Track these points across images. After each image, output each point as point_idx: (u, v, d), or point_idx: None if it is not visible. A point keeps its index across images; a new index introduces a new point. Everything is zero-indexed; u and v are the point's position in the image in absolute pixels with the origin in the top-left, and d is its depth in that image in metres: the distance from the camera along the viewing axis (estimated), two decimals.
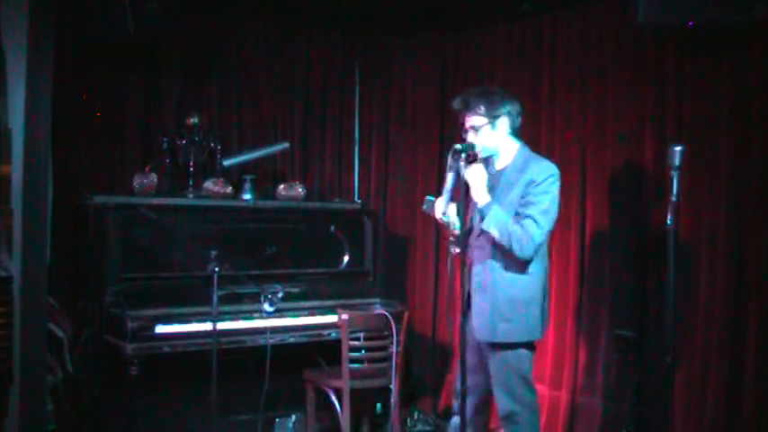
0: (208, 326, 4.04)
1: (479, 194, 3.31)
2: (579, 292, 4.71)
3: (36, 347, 3.65)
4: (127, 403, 4.12)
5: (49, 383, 3.94)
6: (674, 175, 3.23)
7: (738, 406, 3.89)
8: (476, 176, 3.31)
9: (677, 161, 3.22)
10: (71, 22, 4.04)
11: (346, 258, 5.15)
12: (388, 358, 4.32)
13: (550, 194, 3.33)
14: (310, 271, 4.95)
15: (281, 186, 5.15)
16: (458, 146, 3.31)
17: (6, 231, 3.52)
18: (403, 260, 5.73)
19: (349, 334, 4.19)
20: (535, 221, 3.28)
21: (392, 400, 4.39)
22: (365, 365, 4.29)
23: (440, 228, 3.41)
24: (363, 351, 4.27)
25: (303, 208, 5.12)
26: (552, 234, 4.85)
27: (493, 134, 3.40)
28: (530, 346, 3.42)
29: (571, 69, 4.81)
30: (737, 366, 3.91)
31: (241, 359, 4.48)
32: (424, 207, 3.46)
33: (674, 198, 3.24)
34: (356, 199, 5.66)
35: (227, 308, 4.29)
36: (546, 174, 3.34)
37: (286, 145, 5.23)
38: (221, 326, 4.08)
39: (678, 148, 3.23)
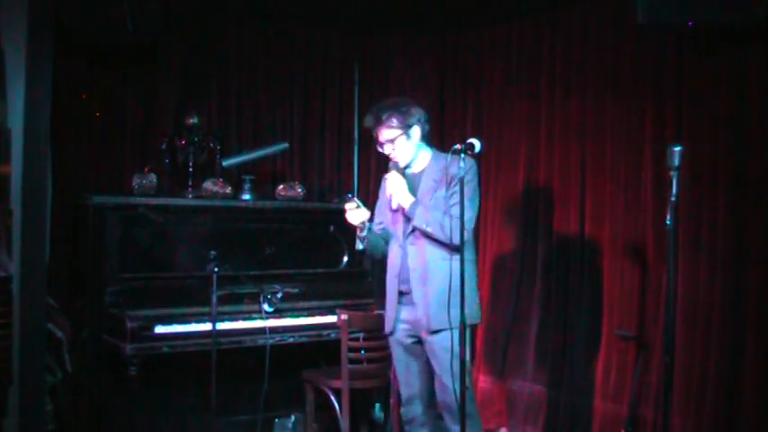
0: (207, 326, 4.05)
1: (403, 198, 3.54)
2: (579, 291, 4.71)
3: (35, 347, 3.65)
4: (126, 403, 4.12)
5: (49, 383, 3.94)
6: (674, 175, 3.23)
7: (738, 406, 3.90)
8: (395, 184, 3.56)
9: (677, 161, 3.22)
10: (71, 21, 4.04)
11: (345, 258, 5.15)
12: (387, 359, 4.32)
13: (473, 183, 3.54)
14: (310, 271, 4.95)
15: (281, 186, 5.15)
16: (457, 146, 3.38)
17: (6, 231, 3.52)
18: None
19: (348, 334, 4.19)
20: (463, 207, 3.39)
21: (391, 401, 4.39)
22: (364, 365, 4.28)
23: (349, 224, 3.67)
24: (363, 351, 4.27)
25: (302, 208, 5.12)
26: (553, 235, 4.91)
27: (408, 144, 3.60)
28: (472, 329, 3.69)
29: (571, 69, 4.81)
30: (737, 366, 3.91)
31: (240, 359, 4.47)
32: (347, 205, 3.60)
33: (673, 198, 3.24)
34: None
35: (226, 308, 4.29)
36: (466, 165, 3.44)
37: (285, 145, 5.23)
38: (221, 326, 4.09)
39: (678, 149, 3.23)
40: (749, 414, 3.85)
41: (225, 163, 4.94)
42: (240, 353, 4.40)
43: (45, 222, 3.85)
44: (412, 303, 3.58)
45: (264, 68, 5.36)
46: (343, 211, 3.63)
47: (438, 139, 5.55)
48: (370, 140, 5.77)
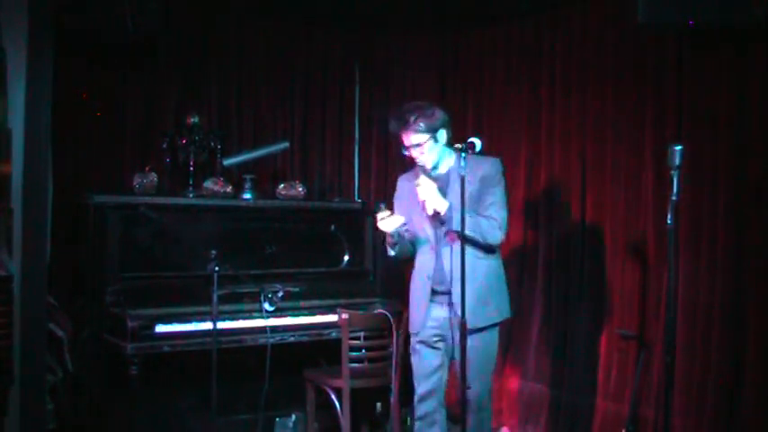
0: (208, 325, 4.05)
1: (437, 204, 3.54)
2: (579, 291, 4.71)
3: (36, 347, 3.65)
4: (127, 403, 4.11)
5: (49, 383, 3.95)
6: (674, 174, 3.23)
7: (738, 406, 3.90)
8: (428, 189, 3.54)
9: (677, 161, 3.22)
10: (71, 21, 4.04)
11: (346, 258, 5.15)
12: (387, 358, 4.32)
13: (503, 184, 3.66)
14: (310, 270, 4.95)
15: (281, 186, 5.15)
16: (457, 145, 3.44)
17: (6, 231, 3.52)
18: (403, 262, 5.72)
19: (349, 333, 4.19)
20: (498, 208, 3.59)
21: (392, 400, 4.39)
22: (365, 365, 4.29)
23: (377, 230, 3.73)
24: (363, 350, 4.27)
25: (303, 207, 5.12)
26: (553, 234, 4.91)
27: (435, 147, 3.61)
28: (502, 325, 3.76)
29: (571, 69, 4.81)
30: (737, 366, 3.91)
31: (241, 359, 4.48)
32: (379, 214, 3.62)
33: (673, 198, 3.24)
34: (356, 199, 5.66)
35: (227, 307, 4.29)
36: (496, 166, 3.63)
37: (286, 144, 5.23)
38: (221, 325, 4.09)
39: (678, 148, 3.24)
40: (749, 414, 3.85)
41: (225, 162, 4.94)
42: (241, 352, 4.40)
43: (45, 222, 3.85)
44: (448, 303, 3.61)
45: (264, 68, 5.36)
46: (374, 220, 3.67)
47: None
48: (370, 140, 5.81)
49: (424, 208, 3.58)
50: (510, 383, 5.07)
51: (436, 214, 3.58)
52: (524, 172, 5.08)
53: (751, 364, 3.86)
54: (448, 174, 3.65)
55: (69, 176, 4.55)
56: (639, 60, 4.41)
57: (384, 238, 3.74)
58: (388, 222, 3.60)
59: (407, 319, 3.96)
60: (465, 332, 3.33)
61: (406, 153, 3.63)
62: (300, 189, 5.15)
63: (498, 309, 3.65)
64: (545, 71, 4.97)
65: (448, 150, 3.68)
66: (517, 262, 5.08)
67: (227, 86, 5.23)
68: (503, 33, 5.26)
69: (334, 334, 4.51)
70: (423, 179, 3.57)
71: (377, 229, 3.68)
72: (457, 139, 3.64)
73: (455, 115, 5.54)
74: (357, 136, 5.77)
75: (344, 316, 4.19)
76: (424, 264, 3.71)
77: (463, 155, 3.40)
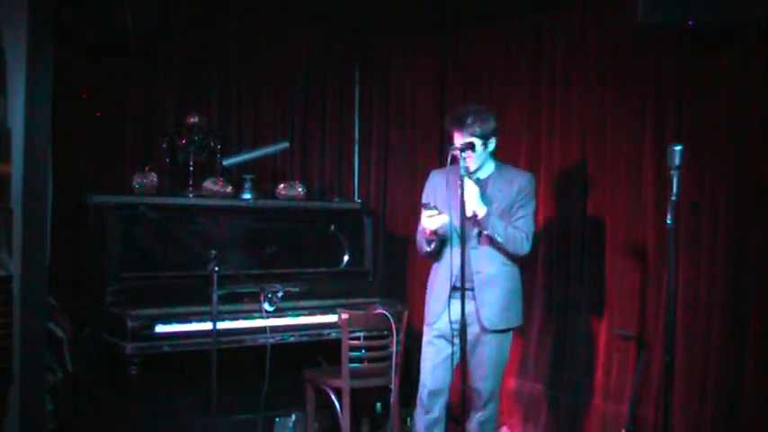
0: (208, 325, 4.04)
1: (477, 207, 3.67)
2: (579, 291, 4.71)
3: (36, 347, 3.65)
4: (127, 403, 4.12)
5: (49, 383, 3.94)
6: (674, 174, 3.23)
7: (738, 406, 3.90)
8: (471, 192, 3.65)
9: (677, 161, 3.22)
10: (71, 21, 4.04)
11: (346, 258, 5.15)
12: (388, 358, 4.32)
13: (535, 200, 3.90)
14: (310, 270, 4.95)
15: (281, 186, 5.15)
16: (457, 146, 3.55)
17: (6, 231, 3.52)
18: (403, 260, 5.73)
19: (349, 333, 4.19)
20: (528, 222, 3.79)
21: (392, 400, 4.39)
22: (365, 365, 4.29)
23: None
24: (363, 351, 4.27)
25: (303, 207, 5.12)
26: (553, 234, 4.91)
27: (483, 152, 3.74)
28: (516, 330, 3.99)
29: (571, 69, 4.81)
30: (737, 366, 3.91)
31: (241, 359, 4.48)
32: (426, 212, 3.69)
33: (673, 198, 3.24)
34: (356, 199, 5.66)
35: (226, 307, 4.29)
36: (532, 182, 3.86)
37: (286, 144, 5.23)
38: (221, 325, 4.08)
39: (678, 148, 3.23)
40: (749, 414, 3.85)
41: (225, 162, 4.94)
42: (241, 352, 4.40)
43: (45, 222, 3.85)
44: (469, 299, 3.68)
45: (264, 68, 5.36)
46: (419, 218, 3.76)
47: (438, 139, 5.57)
48: (370, 141, 5.81)
49: (461, 207, 3.58)
50: (510, 383, 5.07)
51: (474, 216, 3.67)
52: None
53: (751, 364, 3.86)
54: (487, 179, 3.80)
55: (69, 176, 4.54)
56: (639, 60, 4.41)
57: (424, 234, 3.80)
58: (434, 220, 3.68)
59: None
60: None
61: (452, 150, 3.63)
62: (300, 189, 5.15)
63: (516, 315, 3.87)
64: (545, 71, 4.97)
65: (491, 158, 3.81)
66: (517, 262, 5.07)
67: (227, 86, 5.23)
68: (503, 33, 5.26)
69: (333, 334, 4.51)
70: (468, 181, 3.64)
71: (422, 226, 3.75)
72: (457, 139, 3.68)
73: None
74: (357, 136, 5.77)
75: (344, 316, 4.19)
76: (451, 260, 3.74)
77: (463, 155, 3.49)
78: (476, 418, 3.86)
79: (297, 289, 4.70)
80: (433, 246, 3.80)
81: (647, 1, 3.73)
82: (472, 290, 3.71)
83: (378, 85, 5.79)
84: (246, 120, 5.32)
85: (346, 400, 4.24)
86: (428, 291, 3.93)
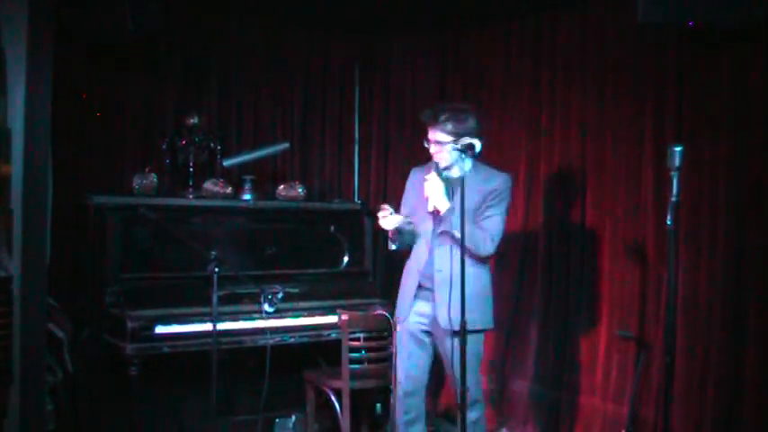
0: (208, 326, 4.04)
1: (440, 203, 3.63)
2: (579, 291, 4.71)
3: (36, 347, 3.65)
4: (127, 403, 4.11)
5: (49, 383, 3.94)
6: (674, 175, 3.23)
7: (738, 406, 3.90)
8: (434, 187, 3.63)
9: (677, 161, 3.22)
10: (71, 21, 4.04)
11: (346, 258, 5.14)
12: (387, 359, 4.31)
13: (508, 200, 3.77)
14: (310, 271, 4.95)
15: (281, 187, 5.15)
16: (457, 146, 3.55)
17: (6, 231, 3.52)
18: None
19: (349, 334, 4.19)
20: (495, 223, 3.69)
21: (392, 401, 4.38)
22: (365, 366, 4.28)
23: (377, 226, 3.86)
24: (363, 351, 4.27)
25: (303, 208, 5.11)
26: (553, 235, 4.91)
27: (455, 150, 3.63)
28: (486, 333, 3.87)
29: (571, 69, 4.81)
30: (737, 366, 3.91)
31: (241, 359, 4.48)
32: (380, 213, 3.71)
33: (673, 198, 3.24)
34: (356, 199, 5.66)
35: (226, 308, 4.29)
36: (508, 183, 3.76)
37: (286, 145, 5.23)
38: (221, 326, 4.08)
39: (678, 149, 3.24)
40: (749, 414, 3.85)
41: (225, 163, 4.94)
42: (241, 353, 4.40)
43: (45, 222, 3.85)
44: (431, 300, 3.72)
45: (264, 68, 5.35)
46: (375, 218, 3.78)
47: None
48: (370, 141, 5.81)
49: (427, 203, 3.66)
50: (510, 384, 5.07)
51: (436, 212, 3.65)
52: (524, 172, 5.08)
53: (751, 365, 3.86)
54: (461, 178, 3.68)
55: (69, 177, 4.55)
56: (639, 60, 4.41)
57: (387, 232, 3.83)
58: (388, 221, 3.69)
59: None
60: (464, 332, 3.35)
61: (427, 145, 3.71)
62: (300, 190, 5.15)
63: (481, 318, 3.71)
64: (545, 71, 4.97)
65: (467, 158, 3.71)
66: (517, 262, 5.08)
67: (227, 86, 5.23)
68: (503, 33, 5.26)
69: (333, 335, 4.51)
70: (432, 176, 3.65)
71: (378, 226, 3.76)
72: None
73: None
74: (357, 136, 5.77)
75: (344, 317, 4.18)
76: (418, 257, 3.82)
77: (463, 155, 3.48)
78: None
79: (297, 290, 4.70)
80: (398, 242, 3.81)
81: (647, 1, 3.73)
82: (431, 290, 3.72)
83: (378, 85, 5.79)
84: (246, 120, 5.32)
85: (346, 400, 4.24)
86: (401, 284, 3.96)
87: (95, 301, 4.32)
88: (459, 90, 5.57)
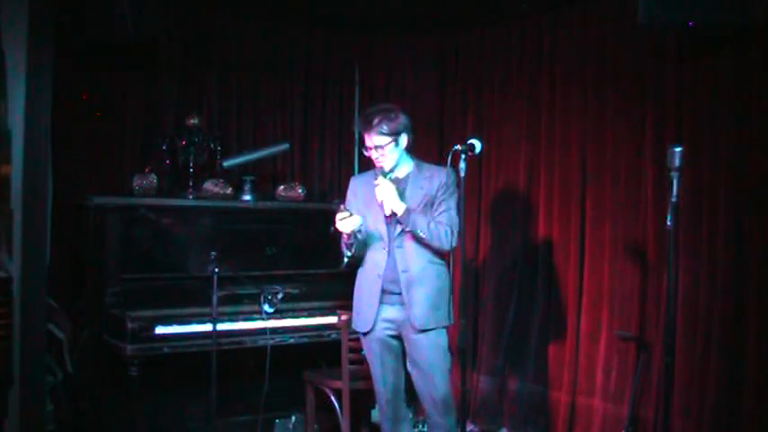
0: (208, 327, 4.05)
1: (395, 205, 3.62)
2: (579, 291, 4.71)
3: (36, 348, 3.65)
4: (127, 404, 4.12)
5: (49, 384, 3.94)
6: (674, 175, 3.23)
7: (738, 406, 3.89)
8: (386, 190, 3.62)
9: (677, 162, 3.22)
10: (71, 22, 4.04)
11: (346, 259, 5.13)
12: None
13: (457, 193, 3.72)
14: (310, 272, 4.95)
15: (281, 187, 5.15)
16: (457, 147, 3.54)
17: (6, 231, 3.52)
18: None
19: (349, 335, 4.19)
20: (451, 216, 3.66)
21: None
22: (365, 366, 4.28)
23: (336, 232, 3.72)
24: (363, 352, 4.26)
25: (303, 209, 5.11)
26: (553, 235, 4.91)
27: (396, 151, 3.68)
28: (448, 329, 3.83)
29: (571, 70, 4.81)
30: (738, 366, 3.91)
31: (241, 360, 4.48)
32: (338, 215, 3.62)
33: (673, 199, 3.23)
34: None
35: (226, 309, 4.29)
36: (452, 176, 3.71)
37: (286, 145, 5.23)
38: (221, 327, 4.08)
39: (678, 149, 3.23)
40: (749, 414, 3.85)
41: (225, 164, 4.94)
42: (240, 353, 4.40)
43: (45, 223, 3.86)
44: (399, 303, 3.68)
45: (264, 69, 5.35)
46: (333, 221, 3.66)
47: (438, 139, 5.57)
48: None
49: (381, 208, 3.65)
50: (510, 384, 5.07)
51: (393, 215, 3.65)
52: (524, 172, 5.08)
53: (751, 365, 3.86)
54: (406, 178, 3.75)
55: (69, 177, 4.55)
56: (639, 60, 4.41)
57: (340, 241, 3.75)
58: (347, 223, 3.61)
59: (350, 319, 3.96)
60: (462, 334, 3.36)
61: (367, 153, 3.72)
62: (300, 190, 5.15)
63: (445, 313, 3.71)
64: (545, 71, 4.97)
65: (407, 156, 3.75)
66: (517, 262, 5.08)
67: (227, 87, 5.23)
68: (503, 33, 5.26)
69: (333, 335, 4.51)
70: (382, 180, 3.64)
71: (336, 230, 3.67)
72: (457, 139, 3.66)
73: (455, 115, 5.59)
74: (357, 137, 5.77)
75: (344, 317, 4.18)
76: (376, 262, 3.73)
77: (463, 156, 3.49)
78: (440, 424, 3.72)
79: (297, 290, 4.70)
80: (353, 250, 3.72)
81: (648, 2, 3.73)
82: (399, 293, 3.66)
83: (378, 85, 5.79)
84: (246, 120, 5.32)
85: (346, 401, 4.24)
86: (355, 298, 3.85)
87: (95, 301, 4.33)
88: (459, 90, 5.57)
